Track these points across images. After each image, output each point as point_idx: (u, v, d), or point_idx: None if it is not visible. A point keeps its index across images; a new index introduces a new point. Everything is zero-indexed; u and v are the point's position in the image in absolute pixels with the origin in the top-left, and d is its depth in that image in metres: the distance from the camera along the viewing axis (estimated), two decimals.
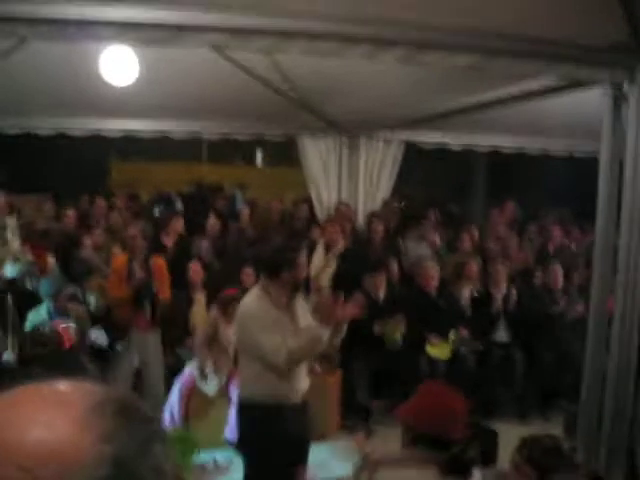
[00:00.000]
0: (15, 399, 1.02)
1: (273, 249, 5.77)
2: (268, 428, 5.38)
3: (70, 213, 9.82)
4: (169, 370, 8.33)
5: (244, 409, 5.59)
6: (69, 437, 0.96)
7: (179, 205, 16.41)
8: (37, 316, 7.59)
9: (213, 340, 7.80)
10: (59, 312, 7.53)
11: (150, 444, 1.02)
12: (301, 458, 5.68)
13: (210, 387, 7.58)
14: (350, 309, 5.45)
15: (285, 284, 5.47)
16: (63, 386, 1.07)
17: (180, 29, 5.04)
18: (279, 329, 5.30)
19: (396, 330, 8.66)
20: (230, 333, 7.64)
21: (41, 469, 0.92)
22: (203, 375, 7.57)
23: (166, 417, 7.43)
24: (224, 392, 7.53)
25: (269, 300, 5.42)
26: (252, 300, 5.52)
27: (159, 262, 8.36)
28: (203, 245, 10.14)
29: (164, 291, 8.28)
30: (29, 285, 8.24)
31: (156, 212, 13.99)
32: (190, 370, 7.78)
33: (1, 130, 11.09)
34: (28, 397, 1.03)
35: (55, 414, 0.98)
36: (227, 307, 7.79)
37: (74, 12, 4.90)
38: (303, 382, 5.62)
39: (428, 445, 3.59)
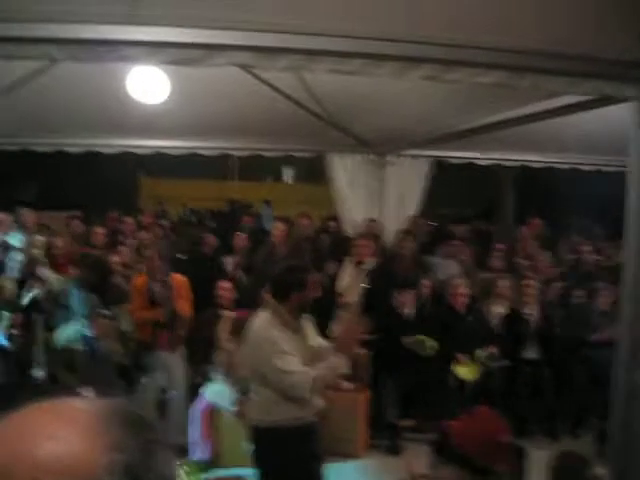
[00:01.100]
0: (27, 415, 1.05)
1: (282, 270, 5.74)
2: (285, 450, 5.37)
3: (99, 231, 9.86)
4: (196, 387, 8.33)
5: (260, 432, 5.57)
6: (80, 448, 0.98)
7: (210, 222, 16.52)
8: (68, 334, 7.62)
9: (230, 362, 7.84)
10: (91, 330, 7.57)
11: (155, 451, 1.05)
12: (318, 476, 5.66)
13: (230, 406, 7.61)
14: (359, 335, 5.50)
15: (295, 305, 5.45)
16: (73, 401, 1.10)
17: (208, 49, 5.08)
18: (295, 353, 5.30)
19: (428, 340, 8.59)
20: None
21: None
22: (223, 394, 7.61)
23: (193, 448, 7.49)
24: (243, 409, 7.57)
25: (280, 322, 5.39)
26: (263, 324, 5.48)
27: (180, 280, 8.36)
28: (231, 262, 10.16)
29: (185, 309, 8.27)
30: (57, 303, 8.27)
31: (188, 229, 14.05)
32: (206, 394, 7.82)
33: (32, 148, 11.21)
34: (39, 413, 1.06)
35: (66, 427, 1.01)
36: (239, 330, 7.81)
37: (103, 33, 4.94)
38: (317, 401, 5.61)
39: (466, 469, 3.56)
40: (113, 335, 7.76)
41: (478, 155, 11.49)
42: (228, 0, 5.00)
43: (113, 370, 7.57)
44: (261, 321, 5.50)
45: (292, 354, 5.27)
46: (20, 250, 8.38)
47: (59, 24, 4.92)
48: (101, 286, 8.38)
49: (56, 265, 8.74)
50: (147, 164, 20.64)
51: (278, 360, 5.23)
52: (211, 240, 10.55)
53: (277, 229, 10.54)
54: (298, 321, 5.51)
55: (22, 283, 7.92)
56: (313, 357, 5.47)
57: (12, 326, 7.23)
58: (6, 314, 7.27)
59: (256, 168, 24.31)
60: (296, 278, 5.48)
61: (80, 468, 0.96)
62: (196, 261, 10.15)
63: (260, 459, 5.57)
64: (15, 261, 7.91)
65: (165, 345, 8.07)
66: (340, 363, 5.27)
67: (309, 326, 5.71)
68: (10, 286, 7.69)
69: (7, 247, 8.25)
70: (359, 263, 9.43)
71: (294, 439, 5.36)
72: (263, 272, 9.56)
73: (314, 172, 21.00)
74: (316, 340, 5.70)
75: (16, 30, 4.93)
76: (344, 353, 5.30)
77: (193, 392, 8.29)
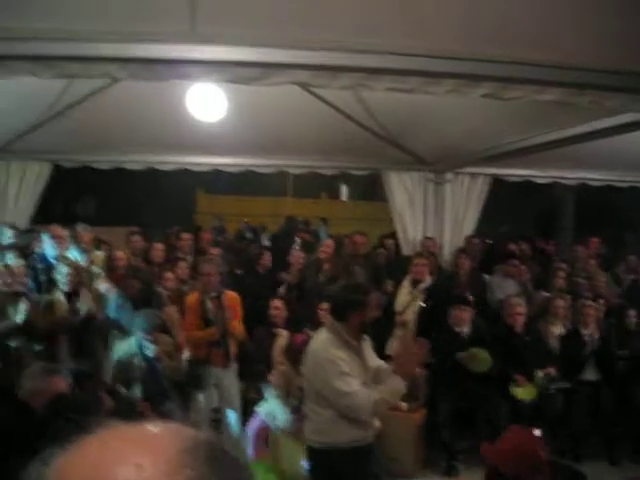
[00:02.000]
0: (106, 439, 1.04)
1: (342, 290, 5.72)
2: (342, 471, 5.34)
3: (158, 246, 9.94)
4: (249, 404, 8.33)
5: (316, 453, 5.53)
6: (159, 479, 0.96)
7: (266, 239, 16.58)
8: (126, 348, 7.68)
9: (284, 381, 7.83)
10: (148, 345, 7.61)
11: None
12: None
13: (284, 425, 7.59)
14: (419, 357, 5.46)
15: (354, 325, 5.41)
16: (153, 427, 1.09)
17: (267, 67, 5.10)
18: (355, 374, 5.27)
19: (482, 353, 8.46)
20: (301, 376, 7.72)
21: None
22: (277, 414, 7.60)
23: None
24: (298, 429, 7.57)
25: (340, 342, 5.36)
26: (323, 344, 5.44)
27: (233, 297, 8.36)
28: (286, 280, 10.16)
29: (238, 326, 8.26)
30: (112, 317, 8.34)
31: (242, 246, 14.10)
32: (260, 412, 7.81)
33: (92, 164, 11.38)
34: (119, 437, 1.04)
35: (145, 456, 0.99)
36: (296, 355, 7.81)
37: (164, 52, 5.00)
38: (375, 422, 5.57)
39: None
40: (170, 350, 7.80)
41: (536, 173, 11.39)
42: (287, 19, 5.01)
43: (169, 386, 7.59)
44: (321, 341, 5.48)
45: (352, 375, 5.24)
46: (73, 265, 8.47)
47: (120, 43, 4.98)
48: (146, 299, 8.47)
49: (116, 280, 8.82)
50: (204, 181, 20.80)
51: (338, 381, 5.20)
52: (267, 257, 10.57)
53: (326, 247, 10.50)
54: (358, 341, 5.47)
55: (72, 297, 7.98)
56: (372, 378, 5.43)
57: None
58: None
59: (312, 185, 24.38)
60: (356, 298, 5.45)
61: None
62: (251, 278, 10.17)
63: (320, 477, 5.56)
64: (66, 276, 7.98)
65: (218, 362, 8.06)
66: (400, 385, 5.23)
67: (367, 346, 5.68)
68: (63, 301, 7.77)
69: (59, 262, 8.33)
70: (416, 282, 9.37)
71: (351, 460, 5.32)
72: (312, 290, 9.56)
73: (370, 189, 21.00)
74: (375, 361, 5.66)
75: (78, 49, 5.00)
76: (403, 375, 5.25)
77: (246, 410, 8.29)
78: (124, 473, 0.96)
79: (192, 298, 8.18)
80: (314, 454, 5.56)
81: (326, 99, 8.41)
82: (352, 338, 5.38)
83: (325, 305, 8.71)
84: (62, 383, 5.32)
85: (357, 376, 5.26)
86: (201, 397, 7.85)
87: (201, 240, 11.33)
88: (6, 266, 7.89)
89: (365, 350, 5.57)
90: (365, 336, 5.63)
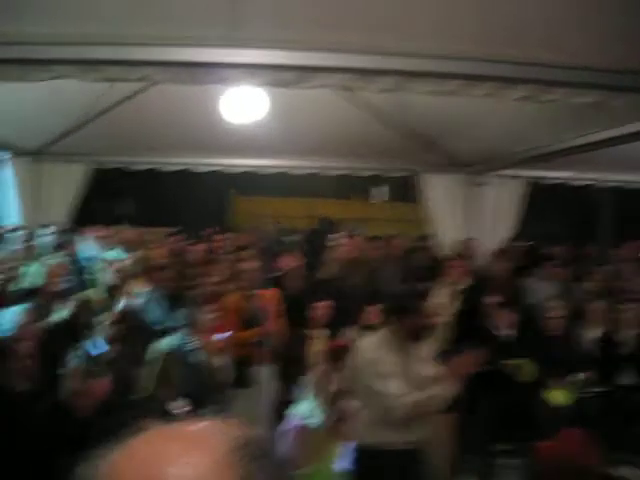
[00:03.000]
0: (156, 438, 1.06)
1: (397, 294, 5.73)
2: (383, 473, 5.34)
3: (198, 247, 9.99)
4: (286, 405, 8.34)
5: (360, 453, 5.54)
6: (208, 477, 0.99)
7: (300, 240, 16.55)
8: (165, 348, 7.71)
9: (322, 384, 7.83)
10: (189, 345, 7.65)
11: None
12: None
13: (319, 426, 7.60)
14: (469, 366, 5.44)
15: (408, 329, 5.41)
16: (205, 425, 1.11)
17: (305, 71, 5.11)
18: (397, 376, 5.27)
19: (529, 364, 8.40)
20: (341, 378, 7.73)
21: None
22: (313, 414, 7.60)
23: None
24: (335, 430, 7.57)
25: (391, 345, 5.37)
26: (373, 344, 5.49)
27: (272, 296, 8.37)
28: (321, 282, 10.14)
29: (278, 325, 8.27)
30: (148, 316, 8.38)
31: (277, 247, 14.10)
32: (296, 412, 7.81)
33: (130, 166, 11.50)
34: (168, 436, 1.07)
35: (196, 454, 1.01)
36: (336, 358, 7.81)
37: (202, 55, 5.03)
38: (419, 429, 5.54)
39: None
40: (211, 350, 7.84)
41: (575, 175, 11.32)
42: (325, 22, 5.03)
43: (208, 384, 7.62)
44: (370, 341, 5.56)
45: (395, 377, 5.25)
46: (115, 264, 8.54)
47: (160, 47, 5.02)
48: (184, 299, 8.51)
49: (154, 279, 8.86)
50: (239, 182, 20.84)
51: (378, 382, 5.24)
52: (301, 258, 10.54)
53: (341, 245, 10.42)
54: (410, 345, 5.47)
55: (113, 296, 8.05)
56: (423, 383, 5.42)
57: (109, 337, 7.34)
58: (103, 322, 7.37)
59: (347, 186, 24.33)
60: (408, 302, 5.46)
61: None
62: (287, 279, 10.16)
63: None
64: (104, 275, 8.06)
65: (259, 360, 8.07)
66: (444, 391, 5.23)
67: (426, 351, 5.66)
68: (101, 299, 7.83)
69: (98, 262, 8.42)
70: (453, 284, 9.33)
71: (393, 463, 5.32)
72: (351, 291, 9.53)
73: (405, 191, 20.92)
74: (429, 366, 5.64)
75: (118, 53, 5.06)
76: (453, 381, 5.26)
77: (282, 409, 8.30)
78: (174, 471, 0.99)
79: (233, 297, 8.20)
80: (358, 454, 5.58)
81: (362, 101, 8.41)
82: (403, 341, 5.38)
83: (371, 308, 8.73)
84: (105, 385, 5.36)
85: (401, 379, 5.26)
86: (243, 396, 7.86)
87: (238, 241, 11.34)
88: (48, 265, 7.96)
89: (422, 354, 5.54)
90: (430, 341, 5.61)
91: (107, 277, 8.14)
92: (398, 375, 5.27)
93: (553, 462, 3.58)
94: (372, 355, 5.42)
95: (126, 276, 8.57)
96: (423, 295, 5.64)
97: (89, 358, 6.60)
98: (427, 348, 5.65)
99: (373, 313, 8.67)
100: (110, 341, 7.19)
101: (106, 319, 7.25)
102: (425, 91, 5.30)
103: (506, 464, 8.10)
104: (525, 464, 3.98)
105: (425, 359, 5.57)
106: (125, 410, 4.97)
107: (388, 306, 5.64)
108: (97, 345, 7.07)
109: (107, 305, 7.70)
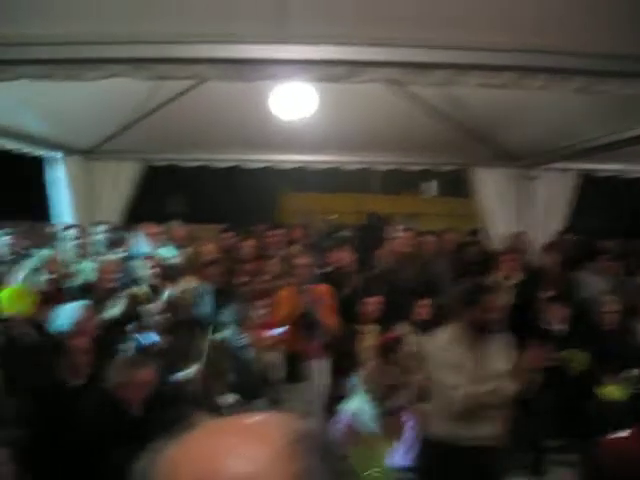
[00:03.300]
0: (218, 430, 1.07)
1: (458, 288, 5.73)
2: (444, 466, 5.32)
3: (250, 243, 10.00)
4: (336, 401, 8.34)
5: (422, 443, 5.54)
6: (270, 471, 0.99)
7: (351, 236, 16.52)
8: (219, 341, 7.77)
9: (374, 380, 7.82)
10: (240, 339, 7.69)
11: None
12: None
13: (371, 423, 7.60)
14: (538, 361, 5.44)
15: (469, 323, 5.40)
16: (263, 418, 1.11)
17: (355, 65, 5.10)
18: (460, 369, 5.26)
19: (581, 355, 8.30)
20: (391, 374, 7.71)
21: None
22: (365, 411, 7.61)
23: None
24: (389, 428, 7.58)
25: (458, 339, 5.38)
26: (440, 338, 5.54)
27: (324, 290, 8.38)
28: (372, 277, 10.11)
29: (331, 319, 8.27)
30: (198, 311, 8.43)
31: (328, 243, 14.09)
32: (347, 409, 7.81)
33: (181, 163, 11.58)
34: (230, 429, 1.07)
35: (256, 447, 1.01)
36: (386, 353, 7.80)
37: (252, 52, 5.04)
38: (487, 427, 5.50)
39: None
40: (263, 344, 7.87)
41: (628, 167, 11.15)
42: (374, 16, 5.01)
43: (258, 379, 7.65)
44: (440, 335, 5.59)
45: (457, 369, 5.26)
46: (172, 260, 8.61)
47: (210, 44, 5.05)
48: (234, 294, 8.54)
49: (205, 274, 8.90)
50: (290, 179, 20.87)
51: (440, 374, 5.30)
52: (353, 254, 10.51)
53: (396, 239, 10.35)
54: (480, 339, 5.45)
55: (162, 291, 8.11)
56: (491, 377, 5.40)
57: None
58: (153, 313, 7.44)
59: (397, 181, 24.26)
60: (469, 297, 5.46)
61: None
62: (338, 275, 10.14)
63: (420, 471, 5.58)
64: (151, 271, 8.12)
65: (312, 355, 8.08)
66: (509, 387, 5.22)
67: (500, 346, 5.62)
68: (149, 295, 7.90)
69: (146, 258, 8.48)
70: (505, 278, 9.25)
71: (460, 458, 5.31)
72: (402, 286, 9.49)
73: (456, 185, 20.81)
74: (500, 361, 5.60)
75: (167, 51, 5.09)
76: (518, 378, 5.25)
77: (334, 405, 8.30)
78: (235, 464, 0.99)
79: (286, 291, 8.21)
80: (424, 446, 5.75)
81: (413, 95, 8.38)
82: (469, 334, 5.38)
83: (424, 302, 8.72)
84: (149, 375, 5.40)
85: (466, 373, 5.26)
86: (296, 391, 7.87)
87: (288, 237, 11.35)
88: (101, 262, 8.05)
89: (491, 350, 5.51)
90: (503, 335, 5.58)
91: (156, 273, 8.19)
92: (462, 368, 5.27)
93: (619, 456, 3.48)
94: (441, 348, 5.47)
95: (175, 272, 8.63)
96: (486, 290, 5.60)
97: (137, 350, 6.68)
98: (498, 342, 5.59)
99: (424, 308, 8.66)
100: (159, 333, 7.25)
101: (155, 313, 7.30)
102: (476, 84, 5.26)
103: (558, 460, 8.04)
104: (581, 459, 3.90)
105: (496, 354, 5.52)
106: (174, 403, 5.02)
107: (450, 301, 5.64)
108: (147, 337, 7.15)
109: (157, 300, 7.75)
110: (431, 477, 5.56)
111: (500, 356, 5.53)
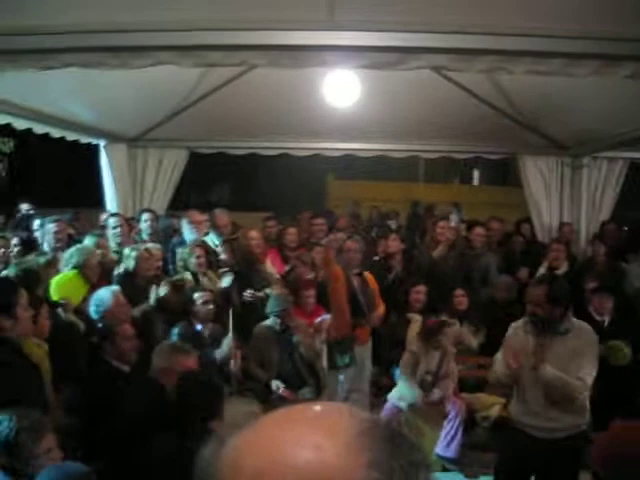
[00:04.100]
0: (285, 419, 1.06)
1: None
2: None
3: (292, 231, 10.01)
4: (381, 389, 8.35)
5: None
6: (339, 462, 0.97)
7: (395, 224, 16.50)
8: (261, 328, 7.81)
9: (414, 366, 7.84)
10: (286, 328, 7.72)
11: (414, 473, 1.01)
12: None
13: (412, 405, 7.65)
14: None
15: (544, 319, 5.43)
16: (329, 408, 1.10)
17: (405, 52, 5.08)
18: (510, 353, 5.37)
19: (625, 346, 8.19)
20: (434, 359, 7.74)
21: None
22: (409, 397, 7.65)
23: None
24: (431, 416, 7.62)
25: (530, 328, 5.45)
26: (519, 327, 5.64)
27: (371, 278, 8.36)
28: (418, 266, 10.09)
29: (378, 306, 8.26)
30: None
31: (374, 231, 14.08)
32: (393, 397, 7.83)
33: (227, 151, 11.62)
34: (297, 418, 1.06)
35: (324, 437, 0.99)
36: (430, 336, 7.80)
37: (302, 39, 5.04)
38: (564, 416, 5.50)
39: None
40: (305, 332, 7.88)
41: None
42: (423, 3, 4.99)
43: (306, 366, 7.66)
44: (517, 323, 5.72)
45: (506, 355, 5.45)
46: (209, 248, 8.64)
47: (259, 31, 5.06)
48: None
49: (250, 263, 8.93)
50: (337, 166, 20.88)
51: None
52: (396, 242, 10.47)
53: (439, 227, 10.26)
54: (547, 337, 5.44)
55: (205, 279, 8.16)
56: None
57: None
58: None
59: (444, 170, 24.21)
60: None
61: None
62: (388, 263, 10.11)
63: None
64: (194, 258, 8.16)
65: (361, 340, 8.06)
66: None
67: (565, 346, 5.55)
68: (191, 282, 7.94)
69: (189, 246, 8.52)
70: (552, 268, 9.18)
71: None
72: (446, 275, 9.45)
73: (502, 174, 20.71)
74: (560, 364, 5.56)
75: (216, 38, 5.11)
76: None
77: (381, 392, 8.31)
78: (304, 454, 0.97)
79: (338, 271, 8.10)
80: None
81: (460, 83, 8.33)
82: (540, 332, 5.41)
83: (460, 292, 8.71)
84: (191, 361, 5.43)
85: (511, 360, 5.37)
86: (341, 377, 7.86)
87: (336, 224, 11.35)
88: (146, 250, 8.10)
89: (560, 351, 5.43)
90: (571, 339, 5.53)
91: (201, 262, 8.22)
92: (514, 353, 5.38)
93: (599, 452, 3.46)
94: (511, 334, 5.63)
95: (219, 260, 8.68)
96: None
97: (180, 337, 6.73)
98: (567, 345, 5.50)
99: (462, 298, 8.66)
100: (203, 321, 7.30)
101: (199, 300, 7.33)
102: (525, 71, 5.21)
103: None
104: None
105: (561, 356, 5.42)
106: (211, 387, 5.05)
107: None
108: (190, 325, 7.20)
109: (200, 287, 7.79)
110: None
111: (564, 360, 5.39)
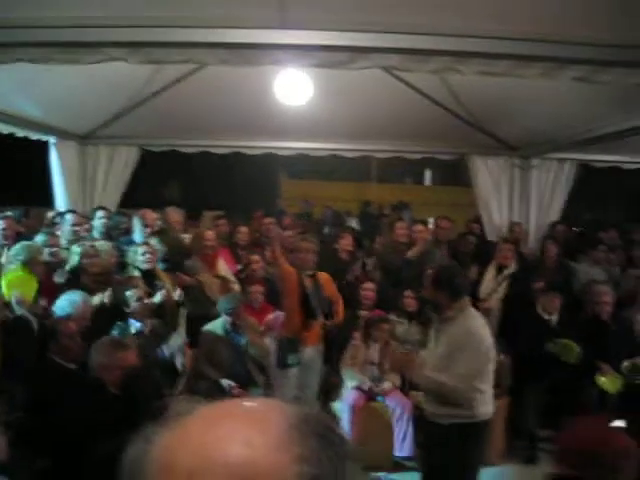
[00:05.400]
0: (214, 416, 1.05)
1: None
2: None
3: (243, 230, 10.02)
4: (330, 387, 8.38)
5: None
6: (269, 457, 0.97)
7: (352, 223, 16.56)
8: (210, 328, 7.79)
9: (355, 359, 7.95)
10: (236, 327, 7.71)
11: (343, 465, 1.03)
12: None
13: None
14: None
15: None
16: (261, 404, 1.10)
17: (355, 51, 5.10)
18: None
19: (574, 344, 8.30)
20: (375, 351, 7.94)
21: None
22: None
23: None
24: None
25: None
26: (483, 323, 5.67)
27: (327, 277, 8.37)
28: (370, 264, 10.14)
29: (340, 308, 8.27)
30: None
31: (326, 229, 14.12)
32: (346, 392, 7.88)
33: (179, 149, 11.56)
34: (227, 414, 1.06)
35: (255, 433, 1.00)
36: (369, 329, 7.92)
37: (252, 37, 5.04)
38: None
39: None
40: (255, 330, 7.89)
41: (625, 158, 11.15)
42: (375, 3, 5.00)
43: (255, 365, 7.67)
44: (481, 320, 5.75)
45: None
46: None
47: (209, 29, 5.04)
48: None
49: (206, 261, 8.89)
50: (289, 166, 20.91)
51: None
52: (349, 241, 10.49)
53: (398, 228, 10.31)
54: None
55: (153, 277, 8.12)
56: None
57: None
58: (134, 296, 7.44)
59: (396, 170, 24.32)
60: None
61: (270, 477, 0.96)
62: (333, 262, 10.13)
63: None
64: (143, 257, 8.11)
65: (307, 341, 8.05)
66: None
67: (445, 333, 5.73)
68: (142, 279, 7.90)
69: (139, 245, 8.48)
70: (501, 267, 9.28)
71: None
72: (398, 273, 9.49)
73: (454, 174, 20.85)
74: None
75: (165, 36, 5.09)
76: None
77: (330, 389, 8.34)
78: (234, 449, 0.97)
79: (290, 271, 8.08)
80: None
81: (412, 83, 8.38)
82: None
83: (410, 293, 8.76)
84: (131, 357, 5.39)
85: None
86: (291, 376, 7.87)
87: (282, 224, 11.36)
88: (91, 247, 8.05)
89: (442, 337, 5.63)
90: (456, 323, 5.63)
91: (149, 259, 8.18)
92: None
93: (573, 445, 3.50)
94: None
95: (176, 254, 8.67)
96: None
97: (123, 335, 6.71)
98: (450, 334, 5.70)
99: (411, 299, 8.71)
100: (141, 318, 7.27)
101: (132, 297, 7.30)
102: (475, 72, 5.26)
103: (551, 449, 8.05)
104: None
105: (443, 344, 5.66)
106: (155, 384, 5.04)
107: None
108: (133, 323, 7.17)
109: (147, 286, 7.75)
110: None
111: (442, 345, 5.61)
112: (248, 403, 1.10)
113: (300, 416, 1.05)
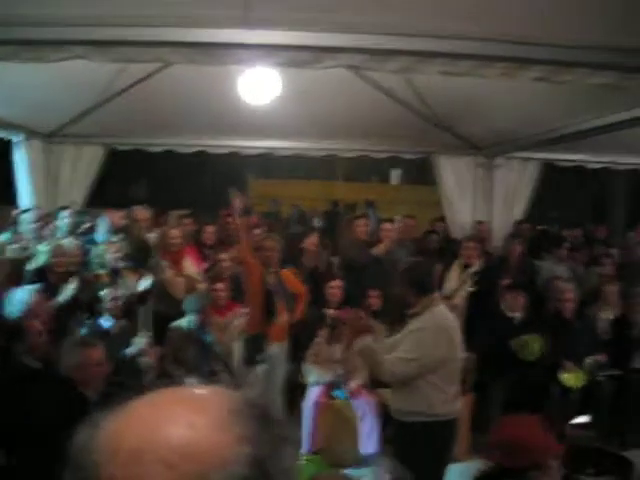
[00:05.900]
0: (158, 401, 1.10)
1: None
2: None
3: (209, 229, 10.03)
4: (295, 385, 8.41)
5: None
6: (211, 437, 1.02)
7: (316, 222, 16.59)
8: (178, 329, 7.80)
9: (317, 357, 8.01)
10: (202, 326, 7.72)
11: (282, 447, 1.08)
12: None
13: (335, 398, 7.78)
14: None
15: None
16: (202, 390, 1.15)
17: (319, 51, 5.13)
18: None
19: (535, 341, 8.38)
20: (337, 350, 7.99)
21: (185, 466, 0.98)
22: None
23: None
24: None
25: None
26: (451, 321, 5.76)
27: (291, 275, 8.41)
28: (336, 262, 10.17)
29: (297, 304, 8.29)
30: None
31: (293, 228, 14.14)
32: (312, 390, 7.91)
33: (144, 148, 11.52)
34: (170, 399, 1.11)
35: (197, 415, 1.04)
36: (333, 328, 7.98)
37: (217, 36, 5.06)
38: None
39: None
40: (222, 329, 7.91)
41: (588, 158, 11.27)
42: (338, 3, 5.04)
43: (220, 362, 7.69)
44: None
45: None
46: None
47: (174, 28, 5.05)
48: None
49: (170, 259, 8.87)
50: (256, 165, 20.89)
51: None
52: (315, 240, 10.53)
53: (358, 226, 10.32)
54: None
55: (119, 276, 8.11)
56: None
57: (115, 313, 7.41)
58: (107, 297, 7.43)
59: (362, 169, 24.38)
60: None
61: (211, 457, 0.99)
62: (305, 260, 10.15)
63: None
64: (108, 256, 8.11)
65: (276, 338, 8.07)
66: None
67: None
68: (108, 277, 7.90)
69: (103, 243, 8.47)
70: (466, 266, 9.34)
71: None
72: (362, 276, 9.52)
73: (419, 173, 20.92)
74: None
75: (131, 34, 5.09)
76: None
77: (296, 387, 8.37)
78: (177, 431, 1.01)
79: (255, 268, 8.11)
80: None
81: (377, 83, 8.41)
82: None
83: (374, 292, 8.80)
84: (98, 354, 5.38)
85: None
86: (256, 373, 7.89)
87: (254, 222, 11.35)
88: (59, 246, 8.02)
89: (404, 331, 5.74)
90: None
91: (115, 257, 8.17)
92: None
93: (504, 440, 3.62)
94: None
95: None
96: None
97: (90, 332, 6.70)
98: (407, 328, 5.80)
99: (374, 298, 8.75)
100: (114, 317, 7.27)
101: (111, 297, 7.30)
102: (437, 72, 5.31)
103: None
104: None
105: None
106: (131, 388, 5.03)
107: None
108: (101, 321, 7.17)
109: (113, 284, 7.75)
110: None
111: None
112: (190, 389, 1.16)
113: (241, 400, 1.10)
